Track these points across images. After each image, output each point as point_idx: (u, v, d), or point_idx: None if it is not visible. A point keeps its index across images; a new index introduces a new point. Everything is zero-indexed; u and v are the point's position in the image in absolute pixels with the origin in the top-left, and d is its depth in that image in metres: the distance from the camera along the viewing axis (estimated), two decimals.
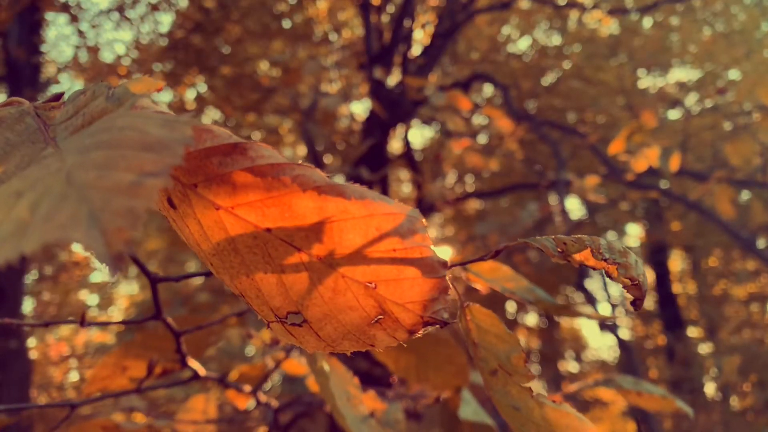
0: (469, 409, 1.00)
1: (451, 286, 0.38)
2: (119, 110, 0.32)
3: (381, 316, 0.36)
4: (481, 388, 1.21)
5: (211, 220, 0.35)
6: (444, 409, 1.06)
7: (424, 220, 0.35)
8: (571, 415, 0.51)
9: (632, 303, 0.46)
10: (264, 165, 0.33)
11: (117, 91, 0.34)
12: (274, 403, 1.21)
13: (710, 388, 8.24)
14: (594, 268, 0.48)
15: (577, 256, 0.48)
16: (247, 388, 1.06)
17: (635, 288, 0.45)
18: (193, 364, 0.87)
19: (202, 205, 0.35)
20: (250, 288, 0.37)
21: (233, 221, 0.35)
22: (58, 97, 0.39)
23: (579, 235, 0.48)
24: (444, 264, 0.35)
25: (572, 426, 0.51)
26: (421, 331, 0.37)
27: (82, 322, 0.66)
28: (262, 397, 1.09)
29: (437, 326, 0.37)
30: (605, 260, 0.46)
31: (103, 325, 0.70)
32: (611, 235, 8.33)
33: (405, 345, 1.07)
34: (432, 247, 0.35)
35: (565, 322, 10.18)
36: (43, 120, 0.37)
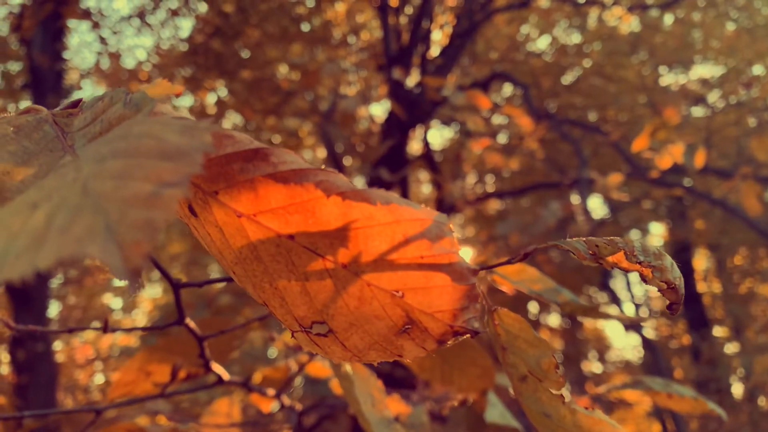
0: (496, 412, 0.98)
1: (479, 291, 0.37)
2: (137, 116, 0.32)
3: (408, 326, 0.35)
4: (506, 390, 1.20)
5: (233, 228, 0.34)
6: (470, 412, 1.04)
7: (451, 225, 0.34)
8: (604, 423, 0.50)
9: (668, 307, 0.44)
10: (286, 171, 0.32)
11: (135, 97, 0.33)
12: (298, 406, 1.21)
13: (737, 389, 8.12)
14: (627, 271, 0.46)
15: (610, 259, 0.47)
16: (271, 391, 1.06)
17: (671, 291, 0.43)
18: (217, 368, 0.86)
19: (223, 212, 0.34)
20: (273, 297, 0.36)
21: (255, 229, 0.34)
22: (76, 103, 0.38)
23: (612, 237, 0.46)
24: (474, 271, 0.34)
25: None
26: (450, 341, 0.36)
27: (105, 328, 0.65)
28: (286, 401, 1.08)
29: (467, 335, 0.35)
30: (639, 263, 0.44)
31: (127, 331, 0.70)
32: (634, 234, 8.25)
33: None
34: (461, 253, 0.33)
35: (588, 322, 10.10)
36: (61, 127, 0.36)
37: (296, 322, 0.36)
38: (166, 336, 0.90)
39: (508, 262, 0.54)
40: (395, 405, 1.05)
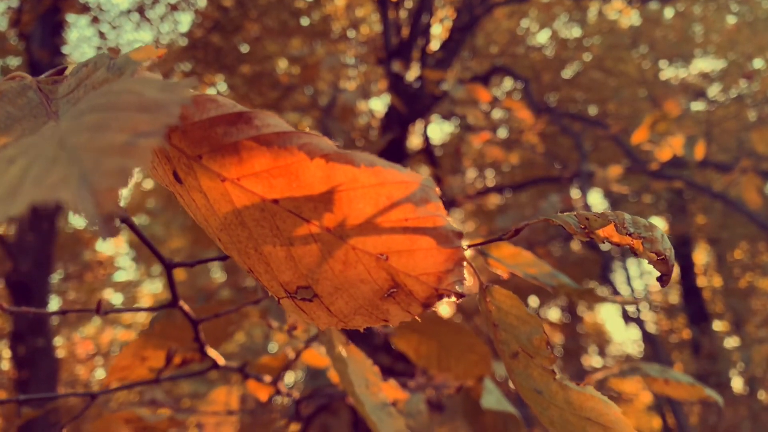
0: (492, 398, 0.98)
1: (468, 262, 0.37)
2: (121, 79, 0.31)
3: (394, 290, 0.35)
4: (504, 379, 1.20)
5: (218, 193, 0.34)
6: (466, 399, 1.04)
7: (438, 189, 0.33)
8: (595, 398, 0.50)
9: (659, 279, 0.44)
10: (270, 134, 0.32)
11: (118, 61, 0.33)
12: (296, 394, 1.21)
13: (737, 383, 8.12)
14: (619, 245, 0.46)
15: (601, 232, 0.46)
16: (268, 378, 1.06)
17: (661, 262, 0.43)
18: (212, 353, 0.86)
19: (207, 177, 0.34)
20: (258, 263, 0.36)
21: (239, 193, 0.34)
22: (61, 71, 0.38)
23: (602, 211, 0.46)
24: (459, 234, 0.34)
25: (597, 409, 0.49)
26: (436, 305, 0.35)
27: (98, 309, 0.65)
28: (283, 388, 1.08)
29: (453, 299, 0.35)
30: (630, 234, 0.44)
31: (120, 311, 0.69)
32: None
33: (426, 333, 1.05)
34: (447, 216, 0.33)
35: (588, 316, 10.10)
36: (46, 94, 0.36)
37: (282, 288, 0.36)
38: (161, 321, 0.90)
39: (499, 239, 0.54)
40: (392, 392, 1.05)
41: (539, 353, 0.51)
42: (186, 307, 0.73)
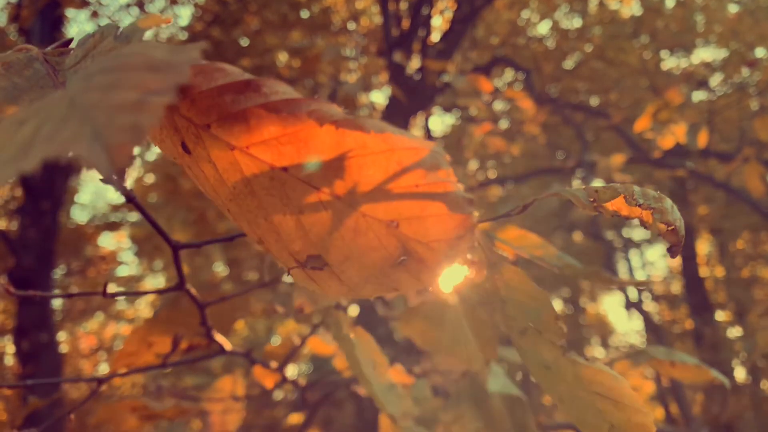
0: (498, 382, 0.98)
1: (477, 235, 0.36)
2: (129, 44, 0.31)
3: (404, 257, 0.34)
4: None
5: (227, 162, 0.34)
6: (472, 383, 1.04)
7: (448, 156, 0.33)
8: (605, 373, 0.50)
9: (669, 249, 0.44)
10: (278, 101, 0.32)
11: (126, 29, 0.33)
12: (302, 381, 1.21)
13: (740, 372, 8.12)
14: (628, 217, 0.46)
15: (610, 206, 0.46)
16: (274, 364, 1.06)
17: (671, 233, 0.43)
18: (219, 338, 0.86)
19: (216, 146, 0.34)
20: (268, 232, 0.35)
21: (249, 162, 0.33)
22: (67, 43, 0.38)
23: (611, 184, 0.46)
24: (470, 200, 0.33)
25: (606, 384, 0.49)
26: (446, 272, 0.35)
27: (105, 292, 0.65)
28: (289, 374, 1.08)
29: (465, 267, 0.35)
30: (639, 206, 0.44)
31: (127, 295, 0.70)
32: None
33: (431, 318, 1.05)
34: (457, 183, 0.33)
35: (590, 307, 10.10)
36: (52, 65, 0.36)
37: (292, 258, 0.36)
38: (167, 307, 0.90)
39: (507, 215, 0.54)
40: (398, 376, 1.05)
41: (548, 329, 0.51)
42: (193, 290, 0.73)
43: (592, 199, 0.46)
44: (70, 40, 0.38)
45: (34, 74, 0.35)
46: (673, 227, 0.43)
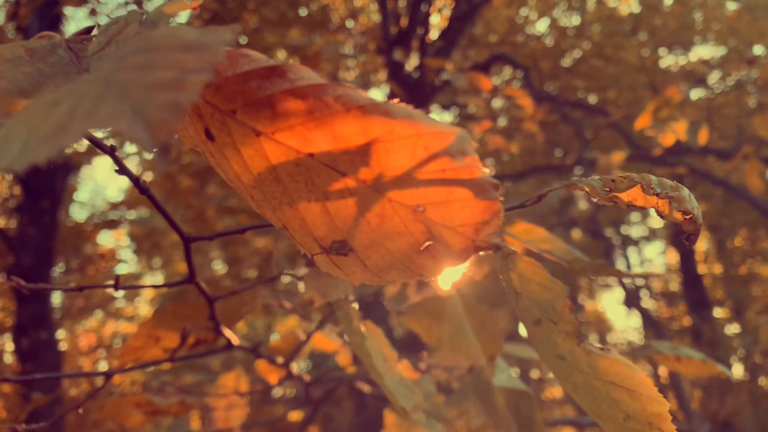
0: (504, 377, 0.98)
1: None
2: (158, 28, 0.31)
3: (430, 242, 0.35)
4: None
5: (252, 149, 0.34)
6: (478, 378, 1.04)
7: (474, 142, 0.33)
8: (620, 363, 0.50)
9: (686, 238, 0.44)
10: (304, 86, 0.32)
11: (151, 15, 0.33)
12: (306, 378, 1.21)
13: (738, 369, 8.14)
14: (643, 208, 0.46)
15: (625, 196, 0.46)
16: (280, 359, 1.06)
17: (689, 222, 0.43)
18: (227, 332, 0.86)
19: (241, 132, 0.34)
20: (293, 219, 0.35)
21: (274, 148, 0.33)
22: (89, 30, 0.38)
23: (627, 173, 0.46)
24: (496, 185, 0.33)
25: (622, 373, 0.49)
26: (472, 257, 0.35)
27: (116, 285, 0.65)
28: (294, 369, 1.08)
29: (488, 251, 0.35)
30: (657, 195, 0.44)
31: (137, 288, 0.69)
32: (634, 216, 8.26)
33: (437, 313, 1.05)
34: (483, 168, 0.33)
35: (588, 304, 10.12)
36: (75, 52, 0.36)
37: (316, 244, 0.36)
38: (174, 301, 0.90)
39: (521, 206, 0.54)
40: (404, 371, 1.05)
41: (563, 319, 0.51)
42: (203, 284, 0.73)
43: (608, 189, 0.46)
44: (92, 28, 0.38)
45: (58, 60, 0.35)
46: (690, 215, 0.43)
